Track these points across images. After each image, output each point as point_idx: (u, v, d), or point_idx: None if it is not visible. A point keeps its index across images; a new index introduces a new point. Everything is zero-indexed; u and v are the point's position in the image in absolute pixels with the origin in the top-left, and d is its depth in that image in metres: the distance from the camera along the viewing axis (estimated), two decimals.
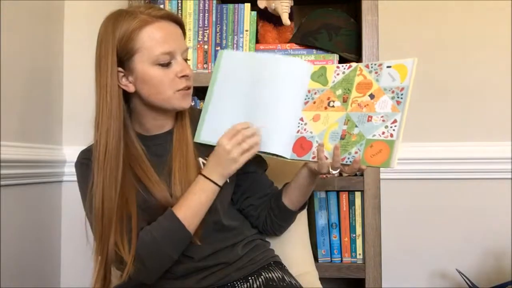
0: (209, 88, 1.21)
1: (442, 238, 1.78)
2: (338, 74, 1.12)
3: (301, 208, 1.24)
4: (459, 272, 1.59)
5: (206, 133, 1.17)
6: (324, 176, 1.18)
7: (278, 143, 1.12)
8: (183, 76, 1.10)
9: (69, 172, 1.83)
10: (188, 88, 1.12)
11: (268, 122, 1.12)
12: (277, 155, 1.12)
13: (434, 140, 1.79)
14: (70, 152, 1.83)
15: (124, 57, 1.08)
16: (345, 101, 1.08)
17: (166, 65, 1.08)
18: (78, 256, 1.83)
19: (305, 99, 1.14)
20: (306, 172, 1.15)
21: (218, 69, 1.21)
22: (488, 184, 1.77)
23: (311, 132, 1.10)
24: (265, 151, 1.12)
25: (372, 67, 1.08)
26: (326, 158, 1.06)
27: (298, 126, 1.12)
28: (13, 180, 1.54)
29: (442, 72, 1.80)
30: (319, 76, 1.14)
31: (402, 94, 1.01)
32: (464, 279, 1.57)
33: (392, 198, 1.78)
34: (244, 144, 1.08)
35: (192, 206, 1.07)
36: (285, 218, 1.23)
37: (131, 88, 1.11)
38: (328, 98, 1.11)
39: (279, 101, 1.14)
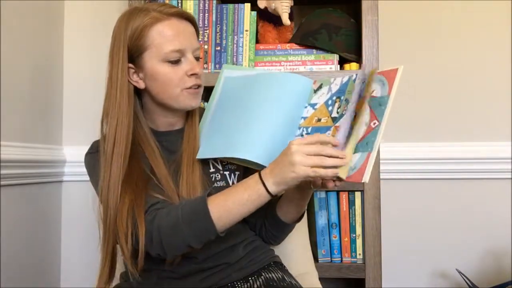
0: (207, 104, 1.21)
1: (442, 238, 1.78)
2: (331, 88, 1.10)
3: (296, 221, 1.21)
4: (459, 272, 1.59)
5: (205, 150, 1.15)
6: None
7: (275, 157, 1.07)
8: (192, 75, 1.10)
9: (69, 172, 1.84)
10: (197, 86, 1.12)
11: (265, 136, 1.09)
12: None
13: (434, 140, 1.79)
14: (70, 152, 1.84)
15: (135, 54, 1.09)
16: (333, 114, 1.06)
17: (176, 62, 1.09)
18: (78, 256, 1.84)
19: (304, 114, 1.12)
20: (295, 187, 1.10)
21: (218, 85, 1.21)
22: (488, 184, 1.77)
23: None
24: (261, 163, 1.07)
25: (363, 77, 1.04)
26: None
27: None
28: (13, 180, 1.54)
29: (442, 72, 1.80)
30: (317, 90, 1.13)
31: (383, 104, 0.97)
32: (464, 279, 1.57)
33: (392, 198, 1.78)
34: (315, 158, 0.92)
35: (228, 201, 0.98)
36: (279, 229, 1.22)
37: (141, 85, 1.11)
38: (320, 113, 1.08)
39: (276, 116, 1.11)
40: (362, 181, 0.92)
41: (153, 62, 1.08)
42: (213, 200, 1.00)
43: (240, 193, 0.99)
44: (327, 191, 1.59)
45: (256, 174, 0.99)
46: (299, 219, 1.22)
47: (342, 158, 0.93)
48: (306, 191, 1.13)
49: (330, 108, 1.06)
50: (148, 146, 1.13)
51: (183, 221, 0.99)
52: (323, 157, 0.92)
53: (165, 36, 1.07)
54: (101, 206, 1.08)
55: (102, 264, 1.08)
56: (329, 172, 0.92)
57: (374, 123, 0.96)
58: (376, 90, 1.00)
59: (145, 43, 1.08)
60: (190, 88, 1.10)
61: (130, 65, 1.10)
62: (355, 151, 0.97)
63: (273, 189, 0.97)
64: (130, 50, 1.08)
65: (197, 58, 1.13)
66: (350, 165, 0.96)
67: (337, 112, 1.03)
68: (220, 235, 1.01)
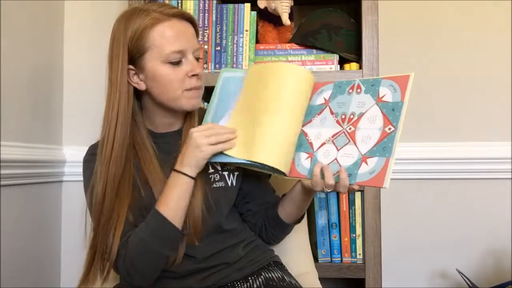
0: (208, 107, 1.20)
1: (442, 238, 1.78)
2: (336, 90, 1.10)
3: (297, 222, 1.21)
4: (459, 272, 1.59)
5: None
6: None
7: (277, 157, 1.06)
8: (193, 75, 1.10)
9: (69, 172, 1.84)
10: (198, 88, 1.12)
11: (268, 136, 1.07)
12: (275, 170, 1.07)
13: (434, 140, 1.79)
14: (70, 152, 1.84)
15: (135, 55, 1.09)
16: (341, 117, 1.06)
17: (177, 63, 1.08)
18: (78, 256, 1.83)
19: (307, 116, 1.11)
20: (300, 188, 1.12)
21: (217, 88, 1.20)
22: (488, 184, 1.77)
23: (311, 149, 1.08)
24: (265, 163, 1.06)
25: (369, 82, 1.05)
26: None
27: (301, 144, 1.09)
28: (13, 180, 1.54)
29: (441, 72, 1.80)
30: (320, 93, 1.12)
31: (396, 109, 0.98)
32: (464, 279, 1.57)
33: (392, 198, 1.78)
34: (212, 137, 1.06)
35: (171, 201, 1.05)
36: (280, 229, 1.22)
37: (142, 86, 1.11)
38: (327, 115, 1.09)
39: (279, 117, 1.09)
40: (383, 187, 0.94)
41: (154, 63, 1.08)
42: (160, 208, 1.05)
43: (173, 191, 1.06)
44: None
45: (174, 172, 1.07)
46: (300, 220, 1.22)
47: (232, 132, 1.09)
48: (309, 193, 1.13)
49: (335, 109, 1.08)
50: (144, 148, 1.13)
51: (149, 240, 1.04)
52: (219, 134, 1.07)
53: (166, 37, 1.07)
54: (94, 205, 1.08)
55: (90, 263, 1.09)
56: (226, 145, 1.07)
57: (390, 128, 0.98)
58: (387, 95, 1.01)
59: (145, 44, 1.07)
60: (190, 89, 1.10)
61: (131, 66, 1.09)
62: (372, 155, 0.98)
63: (192, 172, 1.07)
64: (131, 51, 1.08)
65: (197, 59, 1.12)
66: (367, 169, 0.97)
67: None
68: (184, 233, 1.08)
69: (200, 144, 1.05)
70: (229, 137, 1.08)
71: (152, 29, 1.07)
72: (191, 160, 1.06)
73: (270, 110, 1.07)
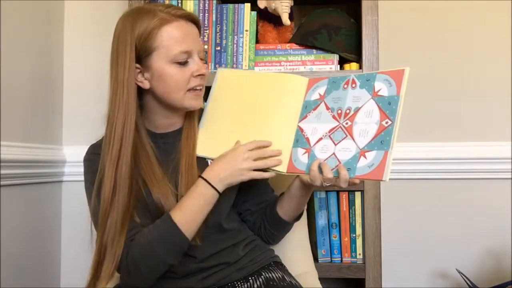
0: (205, 104, 1.23)
1: (442, 238, 1.78)
2: (331, 86, 1.11)
3: (296, 219, 1.22)
4: (459, 272, 1.59)
5: (201, 148, 1.17)
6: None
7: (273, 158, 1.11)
8: (198, 75, 1.11)
9: (69, 172, 1.84)
10: (201, 88, 1.13)
11: (262, 137, 1.11)
12: (272, 170, 1.10)
13: (434, 140, 1.79)
14: (70, 152, 1.84)
15: (142, 54, 1.09)
16: (337, 112, 1.07)
17: (184, 63, 1.09)
18: (78, 256, 1.83)
19: (303, 112, 1.13)
20: (299, 184, 1.13)
21: (214, 87, 1.24)
22: (488, 184, 1.77)
23: (308, 144, 1.09)
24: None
25: (364, 77, 1.06)
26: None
27: (297, 139, 1.11)
28: (13, 180, 1.54)
29: (441, 72, 1.80)
30: (315, 88, 1.13)
31: (393, 103, 0.99)
32: (464, 279, 1.57)
33: (392, 198, 1.78)
34: (259, 162, 1.08)
35: (189, 211, 1.05)
36: (279, 228, 1.22)
37: (146, 85, 1.11)
38: (322, 110, 1.10)
39: (273, 115, 1.14)
40: (383, 180, 0.95)
41: (161, 63, 1.09)
42: (175, 215, 1.04)
43: (196, 201, 1.06)
44: (327, 191, 1.59)
45: (202, 181, 1.07)
46: (299, 217, 1.22)
47: (279, 155, 1.09)
48: (308, 188, 1.13)
49: (330, 104, 1.09)
50: (142, 148, 1.13)
51: (156, 244, 1.03)
52: (265, 160, 1.08)
53: (174, 37, 1.08)
54: (101, 205, 1.06)
55: (98, 262, 1.07)
56: (268, 174, 1.09)
57: (387, 122, 0.99)
58: (382, 89, 1.02)
59: (153, 44, 1.08)
60: (193, 88, 1.11)
61: (137, 65, 1.10)
62: (370, 148, 0.98)
63: (222, 189, 1.08)
64: (138, 50, 1.08)
65: (201, 59, 1.14)
66: (366, 162, 0.98)
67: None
68: (191, 244, 1.07)
69: (244, 168, 1.07)
70: (273, 163, 1.09)
71: (161, 30, 1.07)
72: (229, 178, 1.07)
73: (258, 114, 1.14)
